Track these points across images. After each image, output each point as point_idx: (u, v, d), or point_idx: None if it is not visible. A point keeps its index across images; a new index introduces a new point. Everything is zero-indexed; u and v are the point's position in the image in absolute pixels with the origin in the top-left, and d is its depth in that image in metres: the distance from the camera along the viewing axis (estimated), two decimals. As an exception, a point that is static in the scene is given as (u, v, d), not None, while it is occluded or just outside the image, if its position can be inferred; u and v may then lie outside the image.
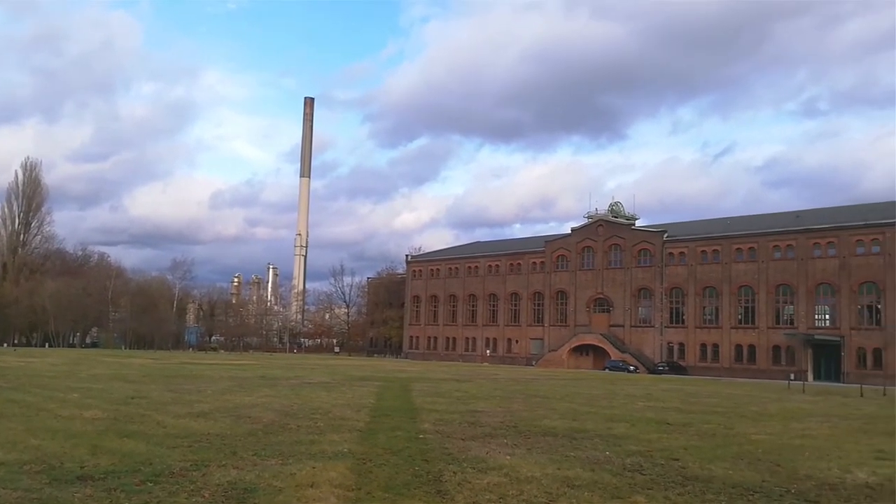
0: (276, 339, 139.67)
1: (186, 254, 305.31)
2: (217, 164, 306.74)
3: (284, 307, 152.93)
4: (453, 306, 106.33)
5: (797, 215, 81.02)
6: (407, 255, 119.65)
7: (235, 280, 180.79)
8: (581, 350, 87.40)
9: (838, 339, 68.76)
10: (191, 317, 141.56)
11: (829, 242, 70.96)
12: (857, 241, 69.03)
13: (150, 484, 10.54)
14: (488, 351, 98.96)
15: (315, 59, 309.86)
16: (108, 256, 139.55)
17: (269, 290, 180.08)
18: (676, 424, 21.73)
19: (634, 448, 16.05)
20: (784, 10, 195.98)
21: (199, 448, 13.92)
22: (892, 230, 66.73)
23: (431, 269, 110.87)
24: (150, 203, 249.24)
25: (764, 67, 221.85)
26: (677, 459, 14.59)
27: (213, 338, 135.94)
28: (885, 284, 66.81)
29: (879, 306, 67.80)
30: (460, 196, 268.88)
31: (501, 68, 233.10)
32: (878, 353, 65.03)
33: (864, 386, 50.62)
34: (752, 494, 11.36)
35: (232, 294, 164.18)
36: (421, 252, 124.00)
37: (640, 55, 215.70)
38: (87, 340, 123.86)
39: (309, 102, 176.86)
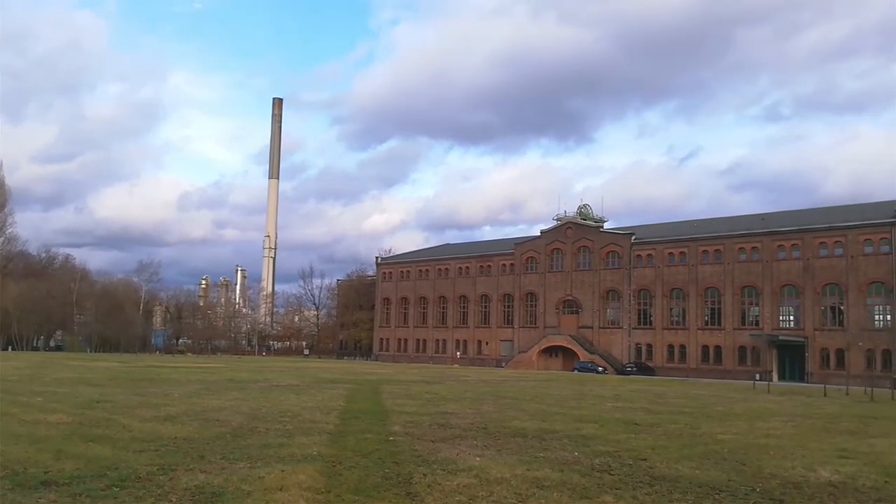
0: (244, 342, 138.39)
1: (153, 256, 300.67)
2: (185, 165, 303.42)
3: (253, 309, 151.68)
4: (423, 308, 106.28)
5: (762, 218, 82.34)
6: (377, 257, 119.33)
7: (203, 282, 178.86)
8: (550, 351, 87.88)
9: (802, 339, 70.01)
10: (158, 319, 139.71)
11: (793, 245, 72.24)
12: (821, 243, 70.38)
13: (115, 489, 10.40)
14: (458, 353, 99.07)
15: (284, 60, 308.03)
16: (74, 258, 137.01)
17: (238, 292, 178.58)
18: (644, 425, 21.97)
19: (603, 448, 16.20)
20: (745, 18, 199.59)
21: (166, 452, 13.76)
22: (853, 233, 68.15)
23: (401, 271, 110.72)
24: (116, 204, 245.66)
25: (728, 73, 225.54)
26: (645, 459, 14.75)
27: (181, 340, 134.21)
28: (848, 286, 68.19)
29: (842, 307, 69.18)
30: (430, 198, 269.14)
31: (470, 72, 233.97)
32: (840, 354, 66.32)
33: (827, 386, 51.66)
34: (719, 493, 11.52)
35: (200, 296, 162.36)
36: (391, 254, 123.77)
37: (606, 60, 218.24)
38: (52, 344, 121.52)
39: (277, 103, 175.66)
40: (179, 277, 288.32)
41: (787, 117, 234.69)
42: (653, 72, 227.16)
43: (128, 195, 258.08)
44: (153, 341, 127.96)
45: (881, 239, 66.71)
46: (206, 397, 26.96)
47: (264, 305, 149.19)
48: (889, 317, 65.55)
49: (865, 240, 67.69)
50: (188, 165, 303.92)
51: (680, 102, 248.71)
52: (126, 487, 10.52)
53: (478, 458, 14.05)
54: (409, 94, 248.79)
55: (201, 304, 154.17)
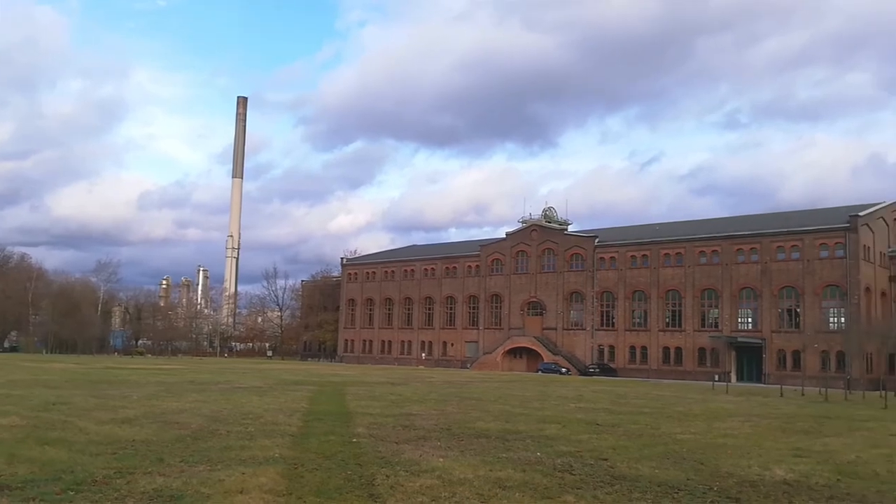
0: (206, 343, 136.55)
1: (112, 255, 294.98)
2: (146, 163, 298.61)
3: (215, 310, 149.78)
4: (389, 310, 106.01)
5: (722, 222, 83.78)
6: (342, 258, 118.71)
7: (164, 282, 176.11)
8: (515, 353, 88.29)
9: (760, 341, 71.35)
10: (116, 320, 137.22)
11: (751, 248, 73.60)
12: (778, 247, 71.81)
13: (71, 492, 10.21)
14: (424, 354, 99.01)
15: (249, 59, 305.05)
16: (30, 257, 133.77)
17: (200, 292, 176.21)
18: (606, 425, 22.20)
19: (565, 449, 16.34)
20: (706, 26, 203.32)
21: (123, 455, 13.55)
22: (810, 237, 69.68)
23: (367, 273, 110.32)
24: (74, 203, 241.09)
25: (688, 81, 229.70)
26: (606, 459, 14.92)
27: (140, 342, 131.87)
28: (804, 289, 69.69)
29: (798, 310, 70.65)
30: (396, 200, 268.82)
31: (436, 75, 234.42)
32: (796, 355, 67.72)
33: (783, 386, 52.70)
34: (677, 492, 11.71)
35: (160, 297, 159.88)
36: (356, 255, 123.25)
37: (569, 66, 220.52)
38: (6, 345, 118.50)
39: (242, 102, 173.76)
40: (139, 278, 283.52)
41: (745, 124, 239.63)
42: (615, 78, 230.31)
43: (87, 193, 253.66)
44: (112, 342, 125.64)
45: (836, 243, 68.29)
46: (165, 399, 26.57)
47: (227, 306, 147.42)
48: (843, 319, 67.12)
49: (821, 244, 69.25)
50: (150, 164, 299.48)
51: (642, 108, 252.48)
52: (82, 491, 10.33)
53: (441, 459, 14.07)
54: (375, 96, 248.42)
55: (162, 304, 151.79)
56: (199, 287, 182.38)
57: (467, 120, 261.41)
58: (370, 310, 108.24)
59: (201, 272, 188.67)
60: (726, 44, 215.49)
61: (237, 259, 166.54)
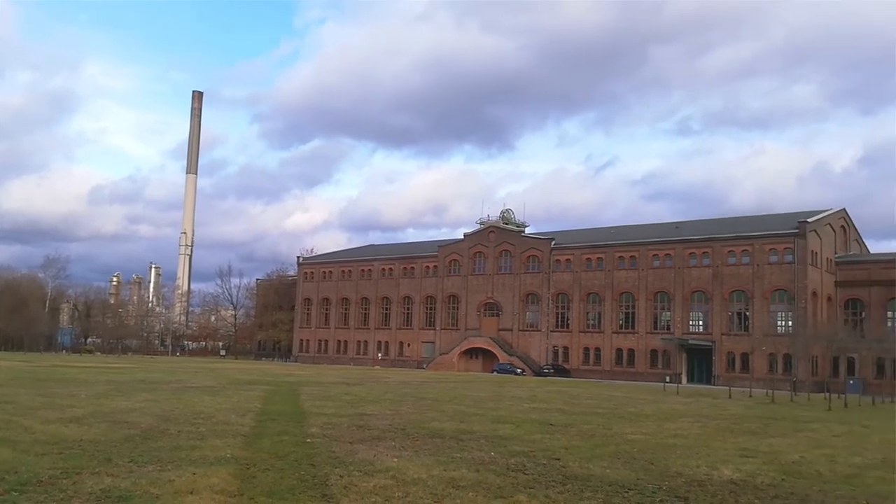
0: (157, 342, 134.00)
1: (61, 251, 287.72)
2: (97, 158, 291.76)
3: (167, 308, 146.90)
4: (345, 309, 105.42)
5: (676, 226, 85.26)
6: (298, 257, 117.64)
7: (114, 279, 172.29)
8: (471, 353, 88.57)
9: (710, 343, 72.80)
10: (65, 317, 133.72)
11: (703, 253, 75.07)
12: (729, 251, 73.39)
13: (14, 493, 9.97)
14: (380, 354, 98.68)
15: (205, 55, 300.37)
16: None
17: (151, 290, 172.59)
18: (559, 425, 22.45)
19: (518, 448, 16.48)
20: (659, 35, 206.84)
21: (70, 455, 13.26)
22: (759, 243, 71.36)
23: (323, 272, 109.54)
24: (22, 196, 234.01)
25: (642, 87, 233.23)
26: (558, 459, 15.10)
27: (89, 340, 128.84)
28: (753, 293, 71.34)
29: (748, 313, 72.27)
30: (353, 199, 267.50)
31: (394, 75, 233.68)
32: (745, 358, 69.24)
33: (732, 388, 53.94)
34: (627, 492, 11.91)
35: (110, 294, 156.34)
36: (313, 254, 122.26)
37: (527, 70, 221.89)
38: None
39: (197, 96, 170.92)
40: (89, 274, 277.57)
41: (697, 132, 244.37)
42: (572, 83, 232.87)
43: (36, 187, 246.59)
44: (59, 340, 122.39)
45: (785, 249, 70.06)
46: (114, 398, 26.04)
47: (179, 304, 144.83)
48: (790, 323, 68.87)
49: (770, 249, 70.98)
50: (101, 158, 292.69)
51: (598, 113, 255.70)
52: (26, 492, 10.09)
53: (395, 459, 14.08)
54: (332, 95, 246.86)
55: (112, 301, 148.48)
56: (151, 284, 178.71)
57: (426, 121, 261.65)
58: (326, 309, 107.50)
59: (153, 269, 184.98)
60: (679, 53, 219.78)
61: (190, 256, 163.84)
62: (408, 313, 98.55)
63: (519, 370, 79.41)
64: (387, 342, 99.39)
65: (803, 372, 63.48)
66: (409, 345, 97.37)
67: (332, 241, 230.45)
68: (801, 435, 23.09)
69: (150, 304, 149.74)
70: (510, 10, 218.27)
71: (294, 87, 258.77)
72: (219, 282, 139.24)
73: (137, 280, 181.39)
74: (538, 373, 79.39)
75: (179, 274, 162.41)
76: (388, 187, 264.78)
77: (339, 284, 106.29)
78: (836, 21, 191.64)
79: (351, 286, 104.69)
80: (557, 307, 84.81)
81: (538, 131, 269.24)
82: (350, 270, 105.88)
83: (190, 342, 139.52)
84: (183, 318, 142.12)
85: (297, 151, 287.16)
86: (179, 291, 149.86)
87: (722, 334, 72.54)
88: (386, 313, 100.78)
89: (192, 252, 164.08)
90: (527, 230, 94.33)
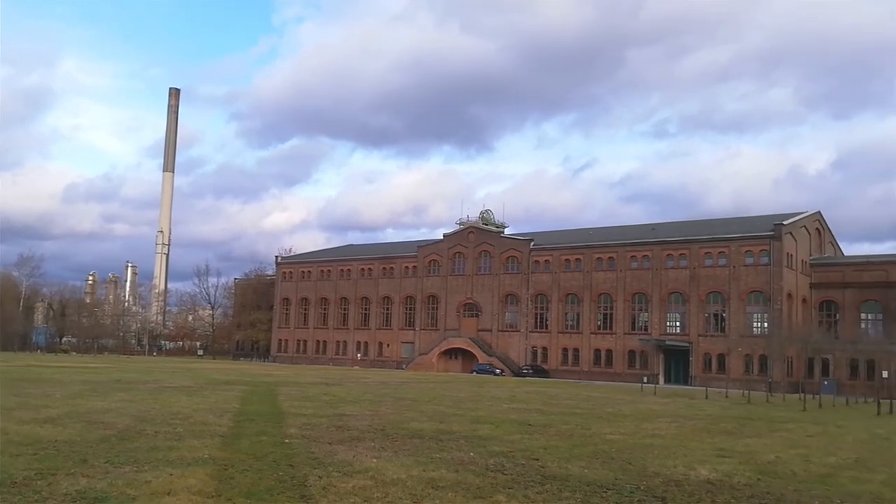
0: (134, 342, 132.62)
1: (35, 249, 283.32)
2: (73, 155, 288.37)
3: (144, 308, 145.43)
4: (324, 309, 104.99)
5: (653, 228, 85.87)
6: (277, 257, 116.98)
7: (90, 278, 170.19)
8: (450, 353, 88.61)
9: (687, 344, 73.42)
10: (39, 316, 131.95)
11: (680, 254, 75.70)
12: (706, 253, 74.08)
13: (-13, 495, 9.81)
14: (359, 354, 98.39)
15: (182, 52, 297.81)
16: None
17: (128, 289, 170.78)
18: (537, 425, 22.52)
19: (497, 449, 16.52)
20: (638, 38, 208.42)
21: (45, 456, 13.09)
22: (736, 245, 72.11)
23: (302, 272, 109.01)
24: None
25: (621, 90, 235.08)
26: (537, 459, 15.15)
27: (65, 339, 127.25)
28: (730, 294, 72.05)
29: (724, 314, 72.96)
30: (333, 199, 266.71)
31: (374, 74, 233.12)
32: (721, 358, 69.90)
33: (708, 388, 54.42)
34: (606, 491, 11.98)
35: (86, 293, 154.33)
36: (291, 254, 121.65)
37: (506, 71, 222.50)
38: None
39: (174, 94, 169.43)
40: (64, 273, 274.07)
41: (673, 134, 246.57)
42: (552, 84, 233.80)
43: (10, 185, 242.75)
44: (34, 339, 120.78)
45: (761, 251, 70.81)
46: (90, 398, 25.74)
47: (156, 304, 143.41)
48: (766, 324, 69.62)
49: (746, 251, 71.74)
50: (77, 155, 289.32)
51: (577, 115, 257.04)
52: (0, 493, 9.94)
53: (374, 460, 14.06)
54: (311, 94, 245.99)
55: (88, 301, 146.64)
56: (128, 283, 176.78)
57: (405, 121, 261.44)
58: (305, 309, 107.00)
59: (129, 268, 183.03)
60: (656, 56, 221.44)
61: (167, 255, 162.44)
62: (387, 313, 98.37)
63: (498, 370, 79.58)
64: (366, 342, 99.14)
65: (779, 373, 64.19)
66: (388, 345, 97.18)
67: (311, 241, 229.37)
68: (776, 435, 23.36)
69: (126, 304, 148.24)
70: (490, 11, 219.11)
71: (272, 85, 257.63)
72: (196, 281, 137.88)
73: (113, 279, 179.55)
74: (517, 373, 79.59)
75: (156, 273, 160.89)
76: (368, 187, 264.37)
77: (318, 284, 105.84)
78: (810, 26, 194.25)
79: (330, 286, 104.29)
80: (536, 308, 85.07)
81: (517, 132, 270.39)
82: (329, 270, 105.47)
83: (167, 342, 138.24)
84: (160, 317, 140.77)
85: (276, 150, 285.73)
86: (156, 291, 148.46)
87: (699, 335, 73.15)
88: (365, 313, 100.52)
89: (168, 251, 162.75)
90: (506, 231, 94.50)
